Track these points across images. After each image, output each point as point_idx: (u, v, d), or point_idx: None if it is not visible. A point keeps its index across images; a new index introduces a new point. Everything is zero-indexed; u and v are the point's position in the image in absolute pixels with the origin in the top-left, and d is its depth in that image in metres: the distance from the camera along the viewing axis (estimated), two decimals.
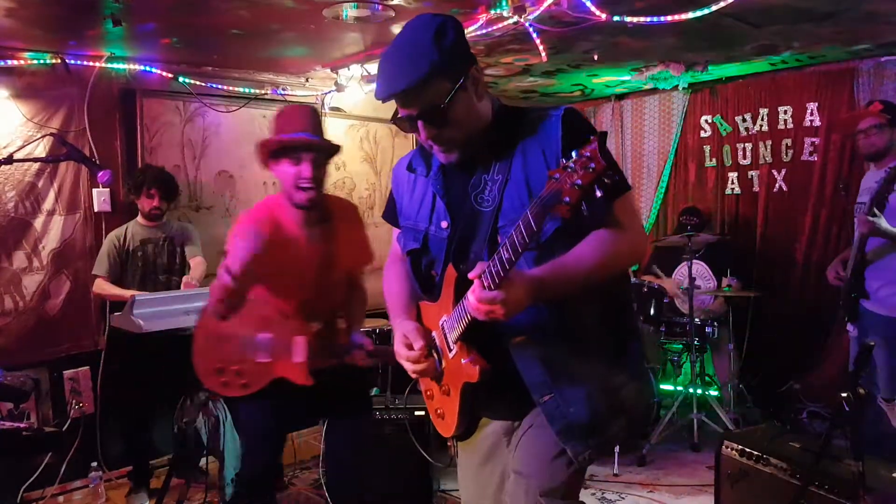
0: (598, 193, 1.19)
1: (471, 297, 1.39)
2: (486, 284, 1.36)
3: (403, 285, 1.79)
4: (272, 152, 2.32)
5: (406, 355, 1.63)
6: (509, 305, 1.35)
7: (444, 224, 1.60)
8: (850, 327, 3.47)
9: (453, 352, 1.56)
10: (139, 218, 3.71)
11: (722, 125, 4.98)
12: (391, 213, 1.79)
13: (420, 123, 1.47)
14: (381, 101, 1.49)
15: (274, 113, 2.50)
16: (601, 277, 1.46)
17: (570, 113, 1.49)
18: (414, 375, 1.65)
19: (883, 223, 3.12)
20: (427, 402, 1.75)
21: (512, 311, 1.36)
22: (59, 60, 3.56)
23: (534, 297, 1.39)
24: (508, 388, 1.53)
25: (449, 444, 1.83)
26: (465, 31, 3.46)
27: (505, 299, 1.34)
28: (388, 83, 1.45)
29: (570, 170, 1.20)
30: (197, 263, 3.73)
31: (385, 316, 5.11)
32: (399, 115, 1.50)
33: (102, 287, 3.59)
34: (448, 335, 1.57)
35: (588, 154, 1.18)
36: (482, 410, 1.69)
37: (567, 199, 1.20)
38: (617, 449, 3.54)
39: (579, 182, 1.18)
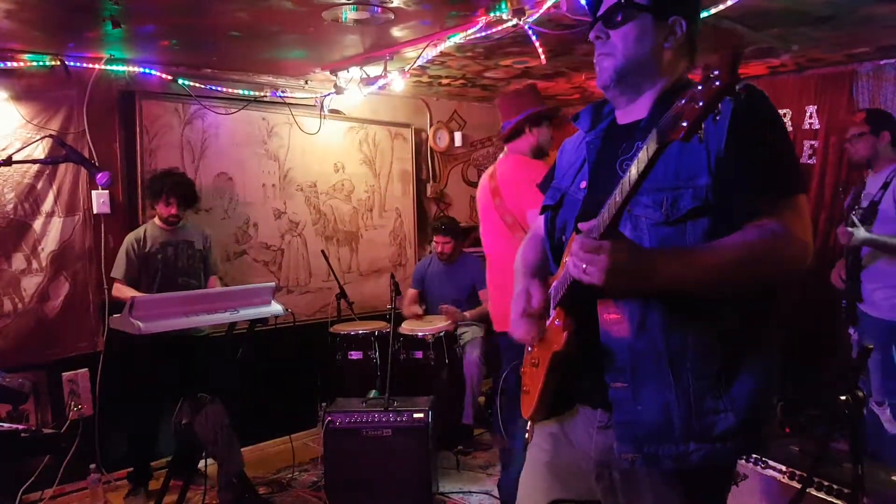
0: (718, 117, 1.03)
1: (573, 246, 1.25)
2: (592, 235, 1.23)
3: (538, 256, 1.67)
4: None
5: (520, 309, 1.50)
6: (610, 261, 1.18)
7: (582, 185, 1.50)
8: (851, 330, 3.48)
9: (551, 318, 1.43)
10: (157, 220, 3.75)
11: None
12: (545, 183, 1.70)
13: (600, 24, 1.44)
14: None
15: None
16: (733, 280, 1.26)
17: (749, 91, 1.29)
18: (516, 335, 1.53)
19: (860, 233, 3.15)
20: (523, 376, 1.62)
21: (610, 274, 1.19)
22: (58, 62, 3.56)
23: (640, 271, 1.21)
24: (597, 370, 1.38)
25: (527, 428, 1.70)
26: (464, 34, 3.44)
27: (606, 251, 1.18)
28: None
29: (693, 88, 1.04)
30: (212, 283, 3.88)
31: (383, 318, 5.11)
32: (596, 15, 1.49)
33: (122, 291, 3.61)
34: (552, 300, 1.45)
35: (716, 71, 1.00)
36: (569, 393, 1.49)
37: (685, 122, 1.03)
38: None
39: (701, 102, 1.01)
